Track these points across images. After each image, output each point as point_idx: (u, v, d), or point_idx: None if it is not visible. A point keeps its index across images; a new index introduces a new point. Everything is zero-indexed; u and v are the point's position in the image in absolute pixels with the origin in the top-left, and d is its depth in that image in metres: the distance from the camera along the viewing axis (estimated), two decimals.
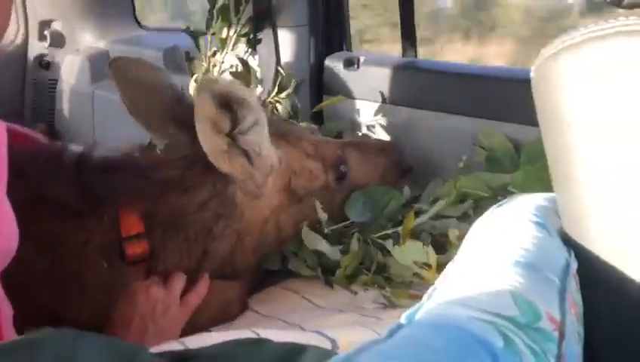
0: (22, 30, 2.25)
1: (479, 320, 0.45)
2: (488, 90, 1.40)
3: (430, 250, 1.02)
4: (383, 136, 1.60)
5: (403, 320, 0.49)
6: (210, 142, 0.97)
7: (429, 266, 1.02)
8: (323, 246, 1.08)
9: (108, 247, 0.94)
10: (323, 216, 1.12)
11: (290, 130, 1.19)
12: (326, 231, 1.12)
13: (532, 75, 0.65)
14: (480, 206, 1.10)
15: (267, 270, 1.14)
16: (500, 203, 0.68)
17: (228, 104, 0.96)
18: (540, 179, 0.73)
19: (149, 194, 0.98)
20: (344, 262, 1.07)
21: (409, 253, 1.03)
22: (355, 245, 1.07)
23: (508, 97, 1.33)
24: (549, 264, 0.56)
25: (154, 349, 0.66)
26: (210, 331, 0.94)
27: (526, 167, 1.11)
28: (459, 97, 1.48)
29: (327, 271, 1.09)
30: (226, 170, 1.00)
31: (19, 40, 2.25)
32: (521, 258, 0.54)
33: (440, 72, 1.56)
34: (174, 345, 0.78)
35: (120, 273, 0.95)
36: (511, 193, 1.05)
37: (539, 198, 0.66)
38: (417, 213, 1.12)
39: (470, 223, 1.01)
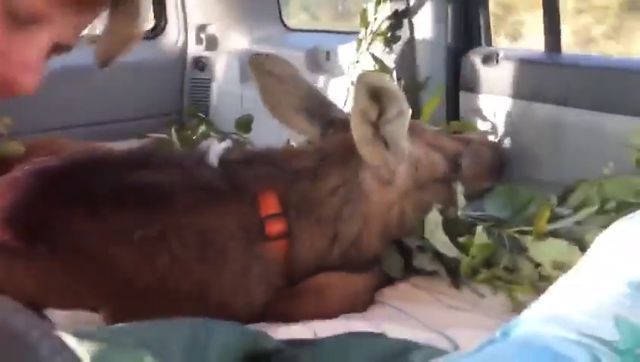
0: (182, 35, 2.47)
1: (570, 342, 0.44)
2: None
3: (576, 250, 0.96)
4: (519, 133, 1.55)
5: (498, 334, 0.50)
6: (358, 130, 1.07)
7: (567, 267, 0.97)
8: (442, 239, 1.08)
9: (250, 226, 1.04)
10: (462, 201, 1.13)
11: (412, 122, 1.23)
12: (460, 214, 1.13)
13: None
14: (624, 213, 1.03)
15: None
16: (631, 215, 0.64)
17: (378, 96, 1.04)
18: None
19: (284, 180, 1.08)
20: (472, 251, 1.06)
21: (549, 251, 0.99)
22: (483, 236, 1.06)
23: None
24: None
25: (282, 333, 0.71)
26: (338, 318, 0.98)
27: None
28: (609, 94, 1.39)
29: (451, 271, 1.09)
30: (367, 157, 1.09)
31: (180, 43, 2.48)
32: (637, 278, 0.51)
33: (588, 67, 1.47)
34: (303, 331, 0.83)
35: (261, 249, 1.04)
36: None
37: None
38: (559, 218, 1.08)
39: None
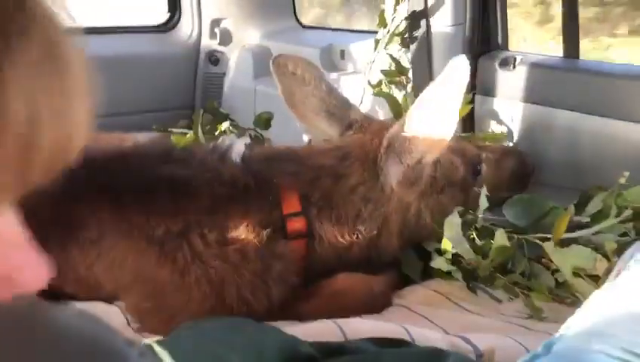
0: (196, 29, 2.47)
1: (614, 359, 0.44)
2: None
3: (600, 257, 0.96)
4: (535, 139, 1.55)
5: (540, 348, 0.50)
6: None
7: (587, 275, 0.98)
8: (461, 242, 1.08)
9: (271, 223, 1.04)
10: (484, 203, 1.13)
11: None
12: (480, 217, 1.13)
13: None
14: None
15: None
16: None
17: None
18: None
19: (306, 178, 1.09)
20: (491, 254, 1.06)
21: (571, 258, 0.99)
22: (503, 239, 1.05)
23: None
24: None
25: (310, 329, 0.71)
26: (363, 317, 0.99)
27: None
28: (626, 101, 1.39)
29: (468, 275, 1.09)
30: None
31: (193, 37, 2.47)
32: None
33: (605, 74, 1.47)
34: (330, 325, 0.84)
35: (281, 247, 1.04)
36: None
37: None
38: (576, 226, 1.08)
39: (629, 237, 0.95)
